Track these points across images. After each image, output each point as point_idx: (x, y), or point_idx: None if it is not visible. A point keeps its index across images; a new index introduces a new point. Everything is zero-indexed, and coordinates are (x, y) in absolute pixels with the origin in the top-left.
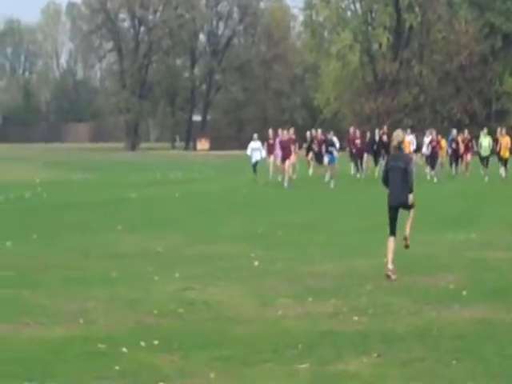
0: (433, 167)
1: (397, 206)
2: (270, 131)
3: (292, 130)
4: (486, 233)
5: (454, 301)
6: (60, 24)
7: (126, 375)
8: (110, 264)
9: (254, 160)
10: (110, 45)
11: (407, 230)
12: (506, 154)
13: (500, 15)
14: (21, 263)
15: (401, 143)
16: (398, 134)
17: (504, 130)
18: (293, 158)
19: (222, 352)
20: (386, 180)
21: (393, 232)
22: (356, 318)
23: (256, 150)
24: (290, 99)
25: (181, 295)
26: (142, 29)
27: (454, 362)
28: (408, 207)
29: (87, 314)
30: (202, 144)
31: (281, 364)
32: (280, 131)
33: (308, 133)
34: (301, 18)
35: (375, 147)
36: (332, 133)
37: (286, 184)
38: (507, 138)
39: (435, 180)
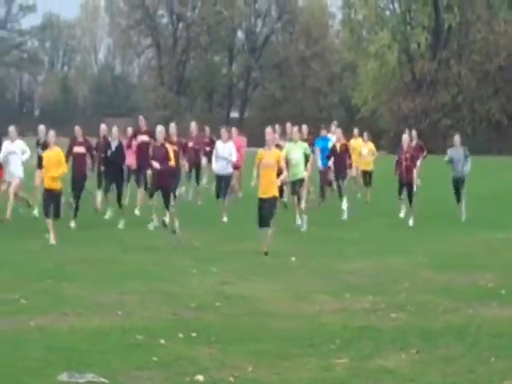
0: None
1: None
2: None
3: (194, 123)
4: None
5: (493, 299)
6: (99, 19)
7: (164, 366)
8: (148, 257)
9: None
10: (148, 41)
11: None
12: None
13: None
14: (59, 255)
15: None
16: None
17: (366, 136)
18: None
19: (259, 345)
20: None
21: None
22: (394, 315)
23: (12, 153)
24: (327, 97)
25: (218, 289)
26: (181, 25)
27: (492, 359)
28: None
29: (125, 305)
30: None
31: (318, 358)
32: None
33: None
34: (339, 16)
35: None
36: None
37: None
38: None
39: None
